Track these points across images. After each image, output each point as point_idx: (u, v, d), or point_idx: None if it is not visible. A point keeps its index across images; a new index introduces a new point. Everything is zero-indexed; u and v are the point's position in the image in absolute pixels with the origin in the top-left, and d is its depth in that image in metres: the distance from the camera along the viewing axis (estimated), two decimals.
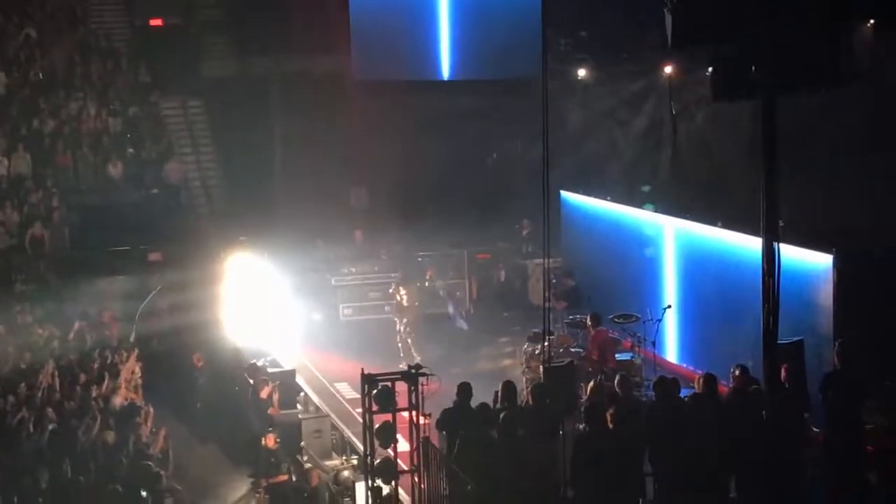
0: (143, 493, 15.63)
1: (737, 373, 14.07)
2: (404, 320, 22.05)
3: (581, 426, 13.18)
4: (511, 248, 27.12)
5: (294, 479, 18.12)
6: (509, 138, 28.00)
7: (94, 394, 18.93)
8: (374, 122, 27.59)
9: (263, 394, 19.22)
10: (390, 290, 23.50)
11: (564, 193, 24.22)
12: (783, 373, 12.87)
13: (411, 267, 25.05)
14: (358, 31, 27.26)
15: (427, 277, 24.59)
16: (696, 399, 13.08)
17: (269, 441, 18.00)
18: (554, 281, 20.19)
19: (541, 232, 15.35)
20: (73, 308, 24.17)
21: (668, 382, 13.80)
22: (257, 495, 18.41)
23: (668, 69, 23.85)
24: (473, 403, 13.88)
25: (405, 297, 22.28)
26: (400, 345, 21.98)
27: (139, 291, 25.25)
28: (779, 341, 11.52)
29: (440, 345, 22.37)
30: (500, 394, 13.91)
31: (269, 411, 19.14)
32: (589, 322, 18.31)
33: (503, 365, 20.27)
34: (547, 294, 15.33)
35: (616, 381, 14.30)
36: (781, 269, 11.15)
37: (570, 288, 21.88)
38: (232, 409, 20.26)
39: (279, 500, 17.67)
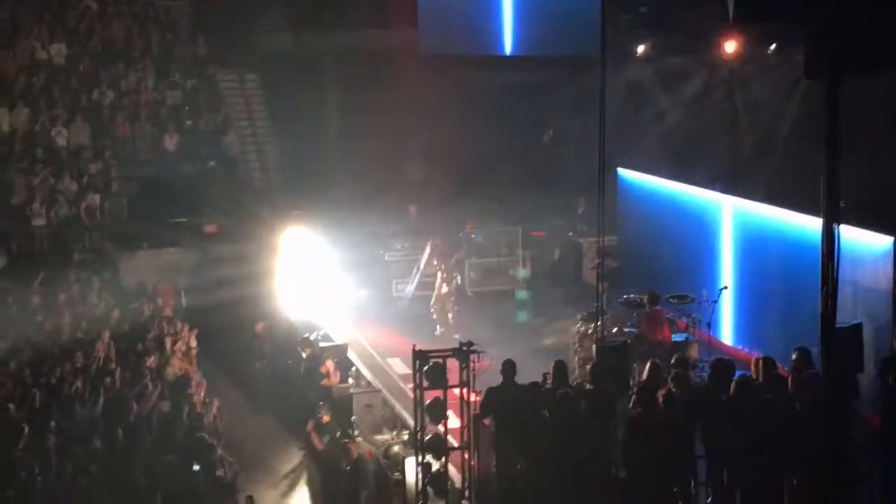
0: (196, 467, 15.71)
1: (795, 356, 13.90)
2: (443, 290, 22.14)
3: (633, 407, 13.05)
4: (566, 225, 26.94)
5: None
6: (567, 115, 27.79)
7: (148, 364, 19.08)
8: (429, 96, 27.51)
9: (324, 369, 19.26)
10: (432, 261, 23.53)
11: (622, 171, 24.01)
12: (839, 357, 12.67)
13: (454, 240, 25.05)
14: (424, 5, 27.12)
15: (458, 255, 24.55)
16: (751, 382, 12.92)
17: (324, 416, 18.04)
18: (597, 261, 20.00)
19: (596, 210, 15.24)
20: (129, 278, 24.42)
21: (724, 364, 13.66)
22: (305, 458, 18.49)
23: (729, 46, 23.53)
24: (525, 382, 13.82)
25: (443, 269, 22.37)
26: (434, 316, 22.08)
27: (195, 263, 25.47)
28: (837, 325, 11.31)
29: (491, 323, 22.27)
30: (551, 373, 13.82)
31: (324, 382, 19.18)
32: (646, 301, 18.14)
33: (555, 344, 20.11)
34: (600, 272, 15.20)
35: (673, 361, 14.14)
36: (841, 251, 10.94)
37: (613, 269, 21.53)
38: (285, 381, 20.37)
39: (329, 473, 17.72)
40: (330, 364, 19.51)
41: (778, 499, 12.56)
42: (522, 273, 24.27)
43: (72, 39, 29.76)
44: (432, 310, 22.33)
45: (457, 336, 18.65)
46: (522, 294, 24.09)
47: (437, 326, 22.13)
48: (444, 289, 22.38)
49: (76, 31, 30.04)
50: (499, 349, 16.63)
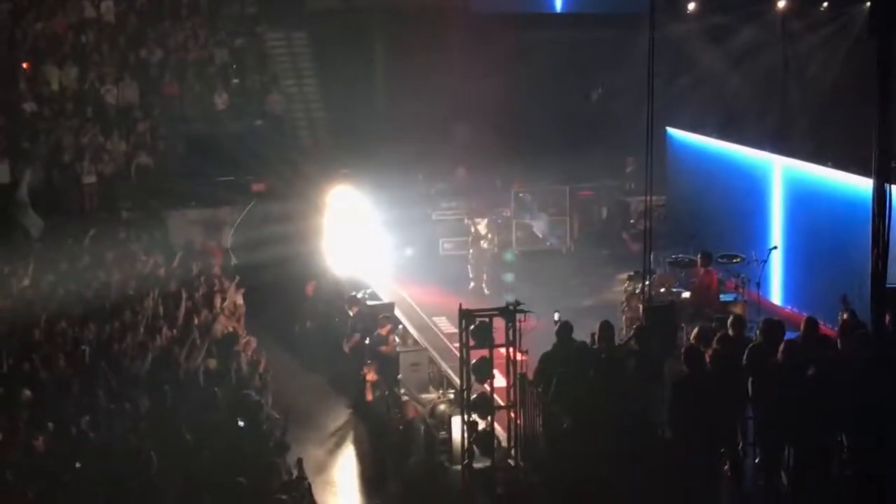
0: (241, 422, 15.81)
1: (844, 316, 13.77)
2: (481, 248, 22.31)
3: (680, 367, 12.97)
4: (614, 185, 26.79)
5: (391, 411, 18.25)
6: (616, 73, 27.59)
7: (196, 322, 19.19)
8: (478, 56, 27.39)
9: (383, 331, 19.28)
10: (465, 221, 23.47)
11: (671, 130, 23.81)
12: (889, 317, 12.54)
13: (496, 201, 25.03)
14: None
15: (505, 214, 24.51)
16: (792, 343, 12.80)
17: (370, 375, 18.09)
18: (632, 221, 19.88)
19: (644, 169, 15.13)
20: (177, 236, 24.56)
21: (774, 324, 13.55)
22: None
23: (781, 4, 23.24)
24: (570, 343, 13.80)
25: (482, 228, 22.48)
26: (472, 274, 22.20)
27: (243, 221, 25.57)
28: (888, 285, 11.18)
29: (539, 282, 22.22)
30: (597, 333, 13.77)
31: (383, 349, 19.19)
32: (699, 261, 18.00)
33: (603, 303, 20.04)
34: (648, 232, 15.11)
35: (730, 321, 14.02)
36: (892, 210, 10.80)
37: (643, 230, 21.25)
38: (333, 340, 20.43)
39: (377, 432, 17.80)
40: (387, 329, 19.45)
41: (828, 460, 12.47)
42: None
43: None
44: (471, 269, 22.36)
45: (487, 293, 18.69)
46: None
47: (472, 283, 22.25)
48: (485, 246, 22.46)
49: None
50: (545, 308, 16.62)
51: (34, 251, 22.49)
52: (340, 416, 19.44)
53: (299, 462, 15.51)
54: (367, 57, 28.94)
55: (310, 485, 15.05)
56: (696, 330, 14.73)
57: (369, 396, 18.11)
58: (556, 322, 14.55)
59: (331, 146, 28.40)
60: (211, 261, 23.06)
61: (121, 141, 26.90)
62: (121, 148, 26.82)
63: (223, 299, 20.67)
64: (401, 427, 16.97)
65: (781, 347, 12.60)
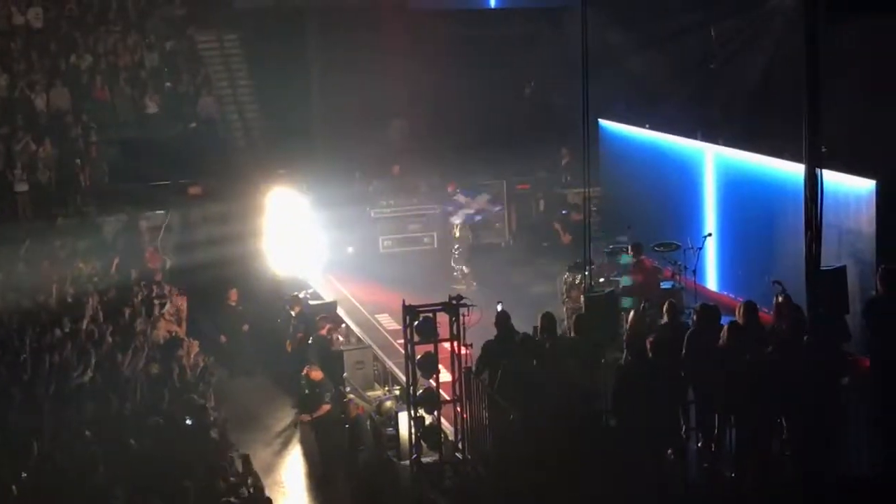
0: (189, 421, 15.81)
1: (779, 299, 14.02)
2: (457, 249, 22.36)
3: (623, 355, 13.17)
4: (551, 177, 26.98)
5: (336, 409, 18.30)
6: (549, 67, 27.79)
7: (137, 327, 19.11)
8: (412, 52, 27.44)
9: (322, 332, 19.31)
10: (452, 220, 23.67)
11: (603, 122, 24.02)
12: (824, 299, 12.79)
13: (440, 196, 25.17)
14: None
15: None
16: (737, 326, 13.03)
17: (314, 373, 18.12)
18: (564, 213, 20.05)
19: (580, 161, 15.28)
20: (114, 242, 24.40)
21: (709, 309, 13.77)
22: (298, 425, 18.62)
23: None
24: (514, 334, 13.93)
25: (457, 228, 22.61)
26: (456, 274, 22.31)
27: (180, 225, 25.47)
28: (821, 268, 11.43)
29: (480, 276, 22.36)
30: (539, 325, 13.91)
31: (334, 348, 19.21)
32: (631, 251, 18.24)
33: (543, 295, 20.22)
34: (587, 222, 15.28)
35: (665, 308, 14.25)
36: (824, 195, 11.04)
37: (577, 222, 21.45)
38: (275, 341, 20.44)
39: (322, 430, 17.85)
40: (326, 329, 19.48)
41: (769, 442, 12.71)
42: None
43: (48, 3, 29.54)
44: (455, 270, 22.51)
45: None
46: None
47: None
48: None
49: None
50: (488, 302, 16.74)
51: None
52: (286, 416, 19.46)
53: (245, 458, 15.54)
54: (300, 56, 28.84)
55: (260, 483, 15.10)
56: (631, 317, 14.97)
57: (325, 408, 18.04)
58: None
59: (267, 147, 28.31)
60: (149, 265, 22.97)
61: (53, 148, 26.64)
62: (53, 154, 26.56)
63: (163, 304, 20.61)
64: (347, 425, 17.02)
65: (724, 331, 12.82)
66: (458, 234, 22.85)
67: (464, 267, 22.44)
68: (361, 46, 27.42)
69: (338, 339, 19.48)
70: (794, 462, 12.57)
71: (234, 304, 22.30)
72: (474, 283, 21.69)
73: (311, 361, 18.39)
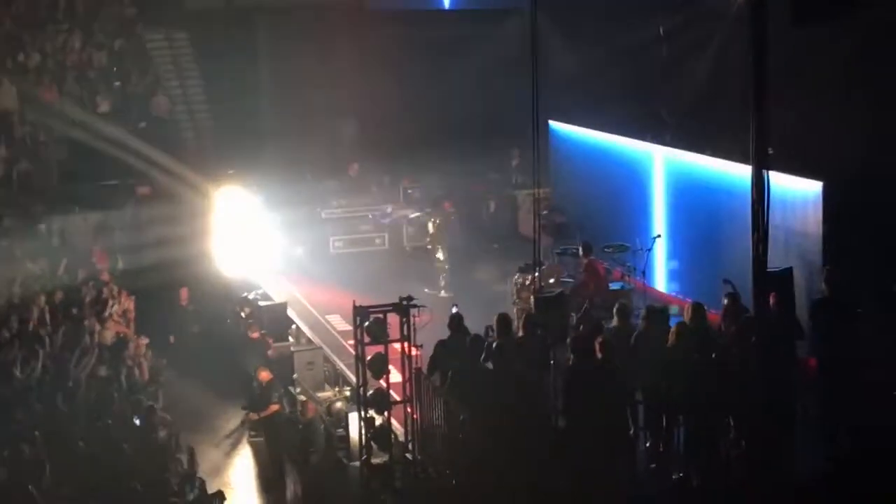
0: (136, 421, 15.73)
1: (726, 301, 14.15)
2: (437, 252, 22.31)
3: (570, 356, 13.22)
4: (501, 179, 27.05)
5: (287, 410, 18.25)
6: (499, 67, 27.89)
7: (85, 328, 18.98)
8: (363, 52, 27.43)
9: (254, 336, 19.26)
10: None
11: (553, 123, 24.13)
12: (772, 300, 12.93)
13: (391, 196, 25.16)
14: None
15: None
16: (685, 327, 13.14)
17: (263, 374, 18.06)
18: (545, 213, 20.10)
19: (530, 162, 15.33)
20: (62, 242, 24.19)
21: (657, 311, 13.89)
22: (251, 432, 18.56)
23: None
24: (464, 334, 13.97)
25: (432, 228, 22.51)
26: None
27: (129, 225, 25.28)
28: (768, 269, 11.53)
29: (428, 276, 22.36)
30: (495, 326, 13.93)
31: (270, 353, 19.17)
32: (581, 252, 18.33)
33: (494, 296, 20.25)
34: (536, 224, 15.33)
35: (616, 309, 14.32)
36: (770, 196, 11.13)
37: (561, 224, 21.50)
38: (223, 342, 20.36)
39: (272, 431, 17.80)
40: (257, 333, 19.43)
41: (717, 442, 12.83)
42: None
43: None
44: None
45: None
46: None
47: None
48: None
49: None
50: (438, 302, 16.78)
51: None
52: (235, 417, 19.38)
53: (190, 451, 15.47)
54: (250, 56, 28.73)
55: (202, 479, 15.04)
56: (582, 318, 15.04)
57: (274, 407, 17.96)
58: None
59: (216, 146, 28.16)
60: (97, 266, 22.81)
61: (0, 147, 26.35)
62: (0, 154, 26.28)
63: (112, 305, 20.47)
64: (300, 426, 16.98)
65: (672, 331, 12.92)
66: (432, 231, 22.53)
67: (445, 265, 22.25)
68: (311, 46, 27.40)
69: (269, 342, 19.43)
70: (741, 462, 12.68)
71: (184, 304, 22.18)
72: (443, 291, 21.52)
73: (256, 363, 18.36)
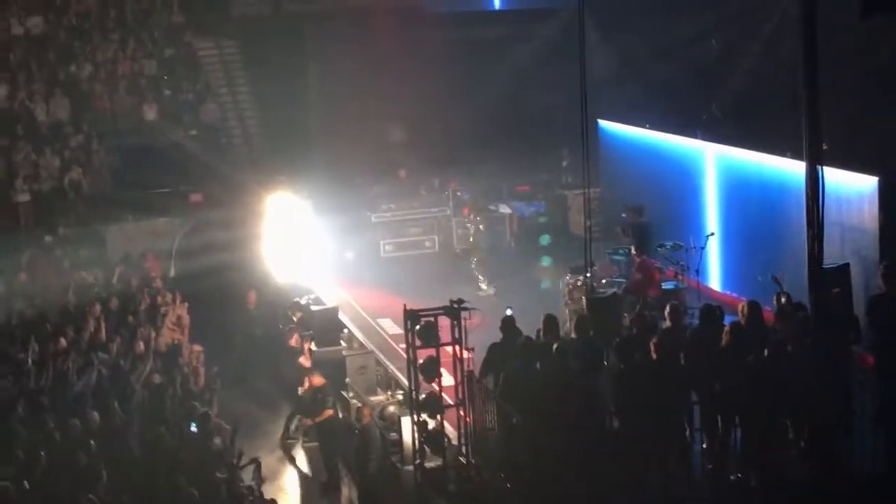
0: (193, 428, 15.78)
1: (782, 300, 13.98)
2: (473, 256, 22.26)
3: (624, 357, 13.09)
4: (551, 179, 26.94)
5: (341, 415, 18.27)
6: (549, 68, 27.78)
7: (139, 335, 19.09)
8: (412, 56, 27.42)
9: (293, 342, 19.32)
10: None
11: (602, 122, 24.00)
12: (829, 297, 12.76)
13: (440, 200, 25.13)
14: None
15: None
16: (738, 327, 12.99)
17: (316, 379, 18.08)
18: (623, 216, 19.89)
19: (580, 162, 15.22)
20: (115, 251, 24.40)
21: (712, 310, 13.73)
22: (304, 437, 18.60)
23: None
24: (517, 337, 13.90)
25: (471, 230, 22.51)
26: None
27: (181, 232, 25.46)
28: (824, 266, 11.38)
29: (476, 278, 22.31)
30: (542, 327, 13.88)
31: (301, 360, 19.21)
32: (633, 251, 18.19)
33: (545, 297, 20.15)
34: (587, 224, 15.23)
35: (667, 311, 14.20)
36: (825, 192, 10.99)
37: (641, 224, 20.35)
38: (278, 346, 20.40)
39: (327, 436, 17.81)
40: (297, 338, 19.49)
41: (774, 442, 12.66)
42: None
43: (47, 12, 29.52)
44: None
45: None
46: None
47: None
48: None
49: (52, 3, 29.79)
50: (489, 305, 16.73)
51: None
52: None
53: (239, 455, 15.52)
54: (299, 61, 28.84)
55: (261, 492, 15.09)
56: (636, 318, 14.90)
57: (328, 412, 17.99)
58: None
59: (267, 152, 28.30)
60: (151, 273, 22.95)
61: (54, 157, 26.63)
62: (54, 164, 26.56)
63: (166, 312, 20.59)
64: (357, 431, 16.99)
65: (726, 331, 12.78)
66: (472, 238, 22.49)
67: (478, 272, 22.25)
68: (360, 50, 27.44)
69: (310, 347, 19.45)
70: (799, 462, 12.53)
71: (252, 307, 22.26)
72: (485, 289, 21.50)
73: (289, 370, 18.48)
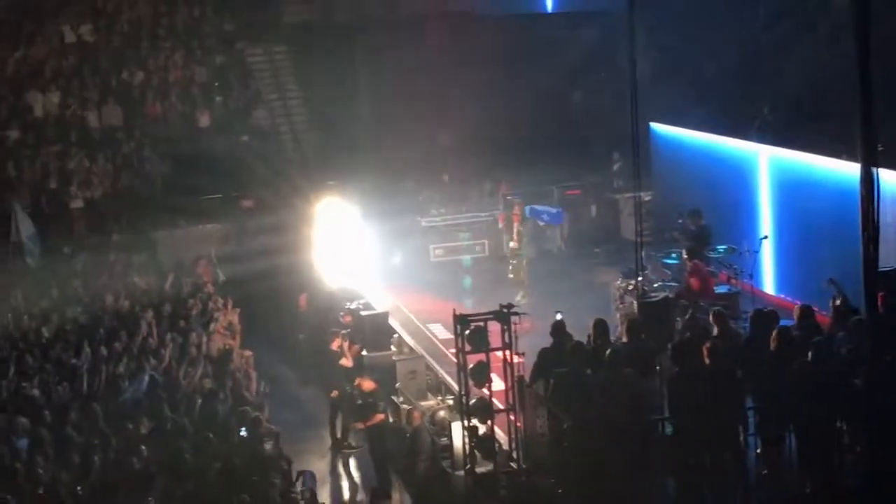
0: (243, 433, 15.82)
1: (837, 302, 13.79)
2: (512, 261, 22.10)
3: (677, 361, 12.96)
4: (601, 182, 26.80)
5: (391, 419, 18.26)
6: (599, 70, 27.65)
7: (192, 341, 19.19)
8: (461, 60, 27.41)
9: (334, 345, 19.34)
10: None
11: (654, 125, 23.83)
12: (880, 301, 12.57)
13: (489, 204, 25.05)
14: None
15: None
16: (786, 332, 12.82)
17: (366, 384, 18.10)
18: (680, 221, 19.70)
19: (631, 166, 15.11)
20: (167, 256, 24.56)
21: (765, 315, 13.57)
22: (349, 442, 18.61)
23: None
24: (567, 341, 13.82)
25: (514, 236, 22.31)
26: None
27: (233, 238, 25.60)
28: (879, 269, 11.21)
29: (533, 283, 22.20)
30: (591, 332, 13.78)
31: (342, 362, 19.24)
32: (685, 255, 18.02)
33: (597, 302, 20.02)
34: (638, 228, 15.11)
35: (711, 316, 14.07)
36: (881, 194, 10.82)
37: (699, 228, 19.58)
38: (328, 351, 20.43)
39: (378, 440, 17.81)
40: (337, 341, 19.51)
41: (830, 447, 12.48)
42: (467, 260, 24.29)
43: (99, 20, 29.81)
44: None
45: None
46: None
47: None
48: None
49: (104, 10, 30.09)
50: (539, 309, 16.64)
51: (26, 277, 22.51)
52: (338, 426, 19.41)
53: (288, 462, 15.54)
54: (348, 67, 28.94)
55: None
56: (684, 324, 14.77)
57: (379, 417, 18.00)
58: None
59: (317, 158, 28.39)
60: (202, 279, 23.09)
61: (106, 164, 26.88)
62: (107, 171, 26.80)
63: (217, 317, 20.68)
64: (407, 435, 16.96)
65: (773, 336, 12.62)
66: (514, 245, 22.32)
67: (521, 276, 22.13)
68: (410, 55, 27.45)
69: (358, 349, 19.45)
70: (855, 468, 12.34)
71: (304, 308, 22.32)
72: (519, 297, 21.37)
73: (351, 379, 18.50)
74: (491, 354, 14.15)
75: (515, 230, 22.11)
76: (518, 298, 20.22)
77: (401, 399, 18.66)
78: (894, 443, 11.62)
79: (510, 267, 22.19)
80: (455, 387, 15.69)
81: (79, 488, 13.82)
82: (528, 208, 24.05)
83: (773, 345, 12.57)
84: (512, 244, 22.21)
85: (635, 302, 16.23)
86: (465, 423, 14.31)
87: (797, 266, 19.50)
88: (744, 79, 23.42)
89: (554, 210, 24.96)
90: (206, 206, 26.20)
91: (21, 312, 20.56)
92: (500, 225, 23.03)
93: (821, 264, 17.78)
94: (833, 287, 14.22)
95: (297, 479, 15.68)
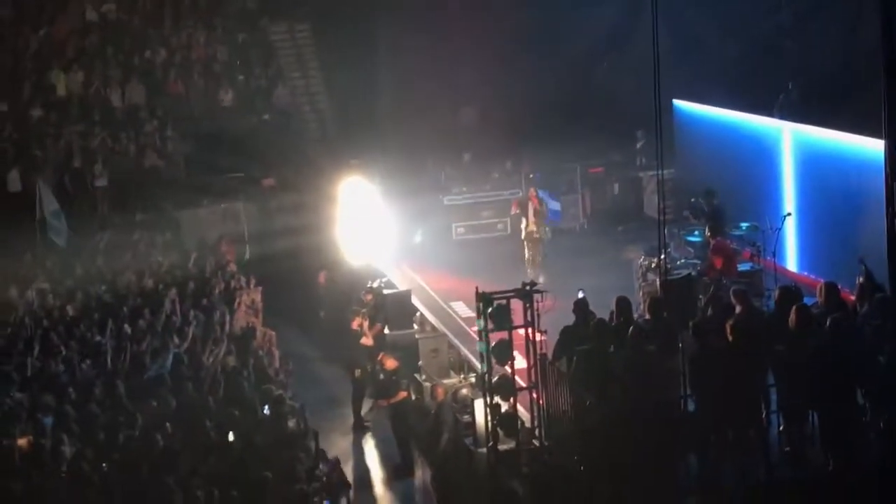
0: (266, 411, 15.88)
1: (861, 279, 13.73)
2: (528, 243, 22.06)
3: (699, 339, 12.94)
4: (624, 160, 26.71)
5: (413, 397, 18.30)
6: (622, 48, 27.49)
7: (215, 319, 19.24)
8: (483, 39, 27.29)
9: (354, 325, 19.37)
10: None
11: (677, 102, 23.71)
12: None
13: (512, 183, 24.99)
14: None
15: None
16: (805, 309, 12.76)
17: (389, 362, 18.14)
18: (693, 201, 19.62)
19: (654, 143, 15.04)
20: (190, 235, 24.63)
21: (789, 292, 13.52)
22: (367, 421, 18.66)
23: None
24: (589, 319, 13.81)
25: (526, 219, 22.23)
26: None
27: (255, 216, 25.65)
28: None
29: (556, 261, 22.18)
30: (614, 309, 13.77)
31: (363, 341, 19.26)
32: (708, 233, 17.95)
33: (620, 279, 19.98)
34: (661, 206, 15.05)
35: (732, 294, 14.03)
36: None
37: (713, 208, 19.50)
38: (350, 328, 20.47)
39: (400, 418, 17.86)
40: (358, 321, 19.53)
41: (852, 425, 12.45)
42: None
43: None
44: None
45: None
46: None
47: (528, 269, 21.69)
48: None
49: None
50: (562, 287, 16.62)
51: (50, 256, 22.62)
52: (363, 404, 19.46)
53: (315, 435, 15.60)
54: (370, 46, 28.87)
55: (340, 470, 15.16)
56: (706, 301, 14.73)
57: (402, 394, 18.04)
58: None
59: (339, 137, 28.38)
60: (225, 257, 23.15)
61: (129, 143, 26.94)
62: (130, 150, 26.86)
63: (240, 296, 20.73)
64: (431, 411, 16.99)
65: (793, 312, 12.56)
66: (532, 228, 22.11)
67: (534, 258, 22.04)
68: (431, 34, 27.36)
69: (380, 327, 19.46)
70: (878, 445, 12.31)
71: (323, 285, 22.39)
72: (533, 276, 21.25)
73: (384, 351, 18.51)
74: (513, 332, 14.17)
75: (532, 211, 22.00)
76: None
77: (423, 377, 18.70)
78: None
79: (526, 250, 22.10)
80: (477, 364, 15.72)
81: (103, 465, 13.88)
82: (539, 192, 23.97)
83: (792, 321, 12.52)
84: (530, 227, 22.06)
85: (658, 279, 16.20)
86: (488, 400, 14.34)
87: (821, 243, 19.39)
88: (767, 55, 23.25)
89: (556, 208, 24.86)
90: (229, 185, 26.24)
91: (46, 291, 20.65)
92: (514, 211, 22.81)
93: (844, 241, 17.69)
94: (862, 266, 14.14)
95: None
